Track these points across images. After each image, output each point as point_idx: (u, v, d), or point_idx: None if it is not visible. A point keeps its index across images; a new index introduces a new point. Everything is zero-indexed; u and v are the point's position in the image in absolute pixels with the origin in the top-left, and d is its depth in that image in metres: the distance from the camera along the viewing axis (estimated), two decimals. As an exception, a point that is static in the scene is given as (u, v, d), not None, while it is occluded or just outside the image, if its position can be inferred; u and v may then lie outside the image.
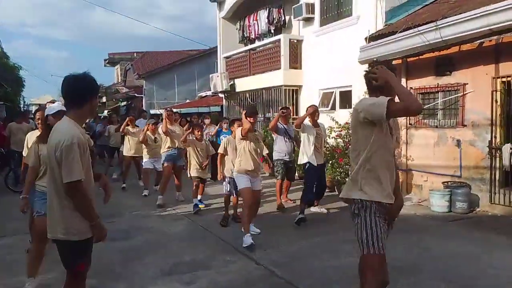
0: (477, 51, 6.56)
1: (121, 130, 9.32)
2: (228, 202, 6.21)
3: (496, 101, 6.43)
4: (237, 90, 13.10)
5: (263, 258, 4.53)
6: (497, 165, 6.48)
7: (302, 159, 6.43)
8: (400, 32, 7.08)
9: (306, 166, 6.33)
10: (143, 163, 8.74)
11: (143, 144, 8.49)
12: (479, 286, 3.72)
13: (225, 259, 4.54)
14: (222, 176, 6.18)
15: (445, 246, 4.88)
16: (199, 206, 7.02)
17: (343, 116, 8.98)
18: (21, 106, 38.01)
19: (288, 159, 7.23)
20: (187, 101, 22.20)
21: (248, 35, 13.59)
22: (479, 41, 6.22)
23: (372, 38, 8.03)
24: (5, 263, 4.57)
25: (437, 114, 7.45)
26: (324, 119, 9.33)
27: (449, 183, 6.81)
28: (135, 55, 30.75)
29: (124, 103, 30.57)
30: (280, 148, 7.26)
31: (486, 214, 6.37)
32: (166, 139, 7.69)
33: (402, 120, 7.83)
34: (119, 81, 32.82)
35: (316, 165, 6.25)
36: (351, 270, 4.08)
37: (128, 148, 9.16)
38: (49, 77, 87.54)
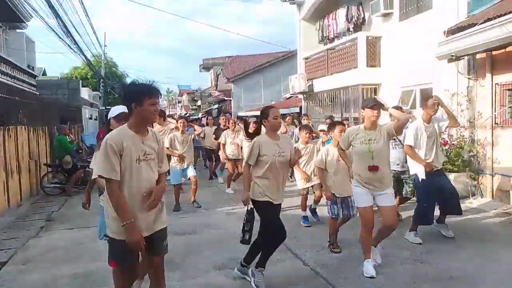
0: None
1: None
2: (335, 228, 4.88)
3: None
4: (315, 90, 13.07)
5: (313, 258, 4.55)
6: None
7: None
8: (480, 24, 6.50)
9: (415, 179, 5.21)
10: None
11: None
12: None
13: (275, 257, 4.63)
14: (329, 196, 4.78)
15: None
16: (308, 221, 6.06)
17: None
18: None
19: (400, 169, 5.78)
20: (272, 102, 22.63)
21: (327, 34, 13.46)
22: None
23: (452, 31, 7.47)
24: (87, 250, 5.22)
25: (527, 112, 6.69)
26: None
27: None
28: (226, 59, 32.20)
29: (216, 106, 32.18)
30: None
31: None
32: None
33: (487, 119, 7.19)
34: (212, 85, 34.65)
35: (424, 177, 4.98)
36: (403, 278, 3.96)
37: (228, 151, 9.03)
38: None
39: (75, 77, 27.82)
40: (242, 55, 29.68)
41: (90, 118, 21.19)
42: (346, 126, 5.60)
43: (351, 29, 12.13)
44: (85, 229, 6.24)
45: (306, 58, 13.76)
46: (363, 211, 4.11)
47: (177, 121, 7.75)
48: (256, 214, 3.92)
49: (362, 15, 11.70)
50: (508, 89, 6.97)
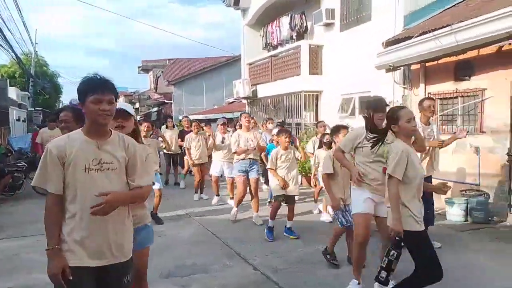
0: (495, 55, 6.34)
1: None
2: (338, 236, 4.52)
3: (516, 107, 6.18)
4: (259, 96, 13.20)
5: (262, 263, 4.54)
6: (518, 173, 6.21)
7: None
8: (416, 37, 6.94)
9: None
10: (211, 169, 8.18)
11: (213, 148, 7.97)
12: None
13: (225, 263, 4.59)
14: (337, 205, 4.40)
15: (455, 257, 4.72)
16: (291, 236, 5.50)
17: (363, 122, 8.86)
18: (61, 112, 39.93)
19: None
20: (215, 107, 22.54)
21: (271, 41, 13.67)
22: (497, 44, 6.01)
23: (389, 43, 7.90)
24: (22, 262, 4.81)
25: (456, 120, 7.22)
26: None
27: (466, 191, 6.58)
28: (167, 62, 31.57)
29: (155, 109, 31.41)
30: None
31: (504, 225, 6.10)
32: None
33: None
34: (152, 87, 33.77)
35: None
36: (349, 279, 4.06)
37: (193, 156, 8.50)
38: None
39: (2, 75, 25.75)
40: (183, 58, 29.30)
41: (18, 120, 19.68)
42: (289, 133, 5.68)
43: (294, 37, 12.41)
44: (20, 239, 5.76)
45: (250, 64, 13.86)
46: (357, 218, 3.64)
47: (140, 124, 7.20)
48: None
49: (305, 24, 12.04)
50: (440, 98, 7.49)
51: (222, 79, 24.14)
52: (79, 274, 2.14)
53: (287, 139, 5.62)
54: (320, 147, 6.47)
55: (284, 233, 5.58)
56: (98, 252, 2.20)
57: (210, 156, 8.56)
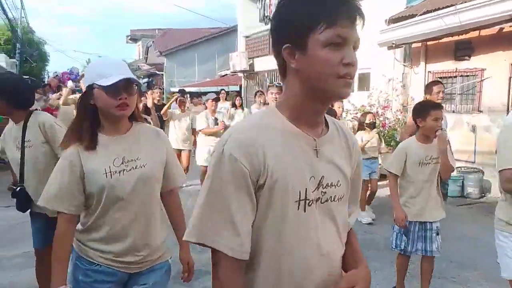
0: (496, 36, 6.51)
1: (162, 112, 6.72)
2: (403, 268, 3.25)
3: (514, 88, 6.41)
4: (256, 70, 13.22)
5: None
6: None
7: None
8: (420, 15, 7.05)
9: None
10: (196, 158, 6.50)
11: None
12: (475, 267, 3.89)
13: (199, 247, 4.75)
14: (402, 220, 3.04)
15: (451, 229, 5.00)
16: None
17: (361, 98, 9.04)
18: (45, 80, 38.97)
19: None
20: (207, 79, 22.39)
21: (269, 14, 13.57)
22: (498, 26, 6.17)
23: (392, 20, 8.00)
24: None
25: (455, 99, 7.44)
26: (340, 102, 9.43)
27: (462, 168, 6.87)
28: (156, 32, 31.05)
29: (145, 79, 31.03)
30: None
31: (496, 200, 6.42)
32: None
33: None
34: (141, 58, 33.25)
35: None
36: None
37: (175, 139, 6.73)
38: (73, 53, 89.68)
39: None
40: (174, 29, 28.82)
41: (7, 88, 19.24)
42: None
43: (293, 10, 12.36)
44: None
45: (247, 37, 13.80)
46: None
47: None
48: None
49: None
50: (439, 77, 7.67)
51: (214, 51, 23.87)
52: None
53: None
54: (359, 129, 5.47)
55: None
56: None
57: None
